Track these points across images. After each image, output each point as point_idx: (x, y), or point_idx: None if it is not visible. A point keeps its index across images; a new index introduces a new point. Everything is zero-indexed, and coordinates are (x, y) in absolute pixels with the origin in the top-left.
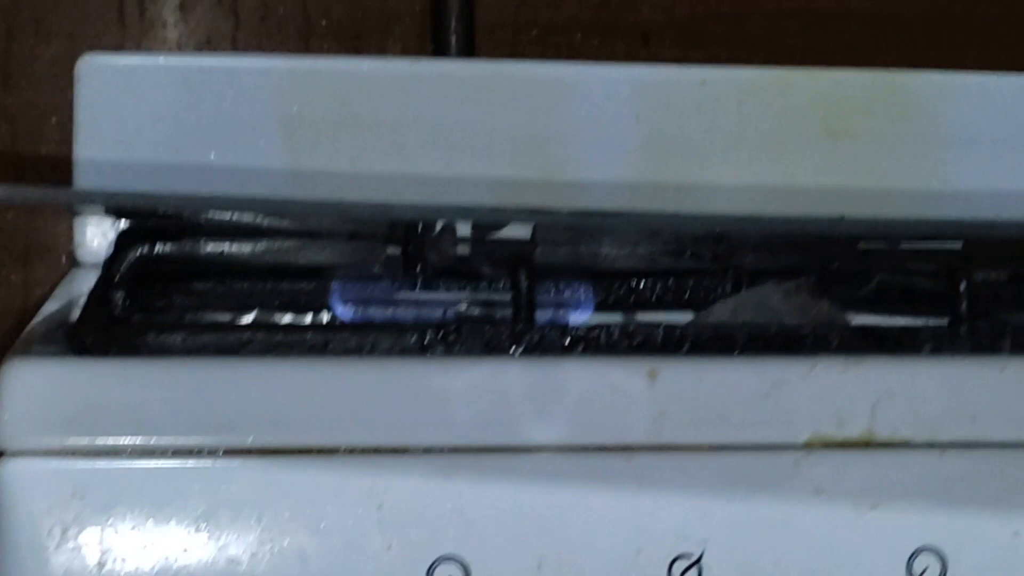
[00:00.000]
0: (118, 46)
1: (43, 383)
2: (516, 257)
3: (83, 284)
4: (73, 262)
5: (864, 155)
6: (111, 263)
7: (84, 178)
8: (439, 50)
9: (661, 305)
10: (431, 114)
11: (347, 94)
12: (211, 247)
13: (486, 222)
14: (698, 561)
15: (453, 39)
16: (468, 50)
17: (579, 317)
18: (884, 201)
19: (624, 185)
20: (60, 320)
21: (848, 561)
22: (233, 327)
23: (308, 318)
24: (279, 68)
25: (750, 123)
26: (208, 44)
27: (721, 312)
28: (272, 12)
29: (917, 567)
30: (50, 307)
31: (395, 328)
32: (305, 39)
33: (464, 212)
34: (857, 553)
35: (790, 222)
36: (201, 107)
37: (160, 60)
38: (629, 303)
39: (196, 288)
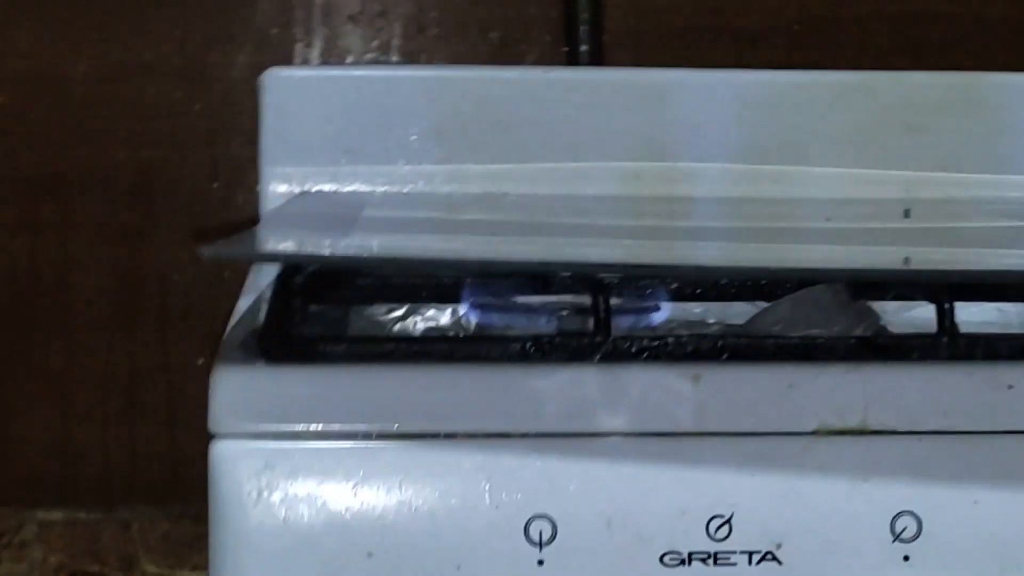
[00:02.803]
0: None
1: (242, 384)
2: (598, 285)
3: (264, 280)
4: None
5: (937, 147)
6: (287, 275)
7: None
8: (572, 58)
9: (734, 297)
10: (563, 115)
11: (491, 99)
12: None
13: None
14: (729, 520)
15: (583, 48)
16: (597, 57)
17: (658, 316)
18: (951, 186)
19: (728, 176)
20: (250, 325)
21: (845, 521)
22: (381, 340)
23: (445, 317)
24: (432, 76)
25: (837, 120)
26: (377, 52)
27: (784, 306)
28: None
29: (899, 526)
30: (243, 303)
31: (504, 340)
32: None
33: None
34: (852, 515)
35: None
36: (367, 112)
37: (333, 72)
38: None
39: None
